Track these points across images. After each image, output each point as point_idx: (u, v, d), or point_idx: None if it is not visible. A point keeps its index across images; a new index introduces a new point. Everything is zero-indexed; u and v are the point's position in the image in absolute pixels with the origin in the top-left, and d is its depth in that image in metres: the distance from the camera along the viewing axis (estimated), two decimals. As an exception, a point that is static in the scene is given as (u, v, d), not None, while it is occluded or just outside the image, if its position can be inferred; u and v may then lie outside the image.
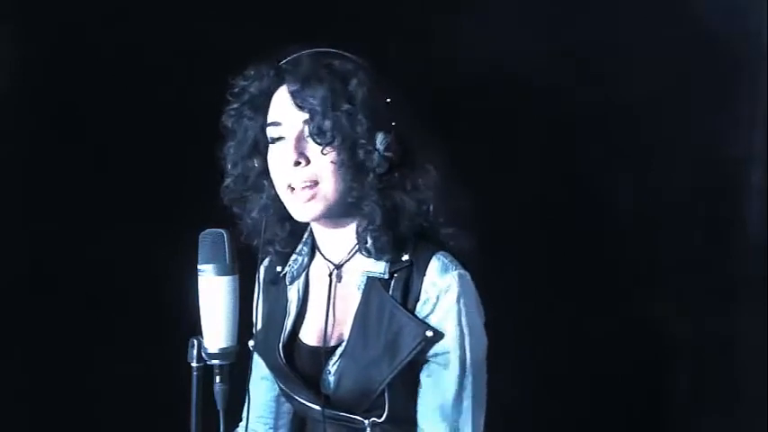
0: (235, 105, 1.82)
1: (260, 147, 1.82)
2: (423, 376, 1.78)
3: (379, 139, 1.74)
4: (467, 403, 1.78)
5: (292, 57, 1.78)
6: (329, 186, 1.75)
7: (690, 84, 2.53)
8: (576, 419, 2.58)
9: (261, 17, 2.48)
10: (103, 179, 2.49)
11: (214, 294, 1.63)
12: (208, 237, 1.64)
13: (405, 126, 1.78)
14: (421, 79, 2.43)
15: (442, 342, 1.76)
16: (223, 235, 1.64)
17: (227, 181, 1.85)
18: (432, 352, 1.76)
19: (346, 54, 1.79)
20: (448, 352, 1.76)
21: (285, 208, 1.80)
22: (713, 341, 2.56)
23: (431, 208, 1.78)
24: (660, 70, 2.54)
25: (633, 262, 2.61)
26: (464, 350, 1.77)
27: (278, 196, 1.80)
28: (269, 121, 1.79)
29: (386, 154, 1.75)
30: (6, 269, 2.44)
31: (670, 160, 2.56)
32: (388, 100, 1.77)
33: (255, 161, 1.83)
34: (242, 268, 1.66)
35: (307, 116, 1.74)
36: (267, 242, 1.90)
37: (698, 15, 2.50)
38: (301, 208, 1.77)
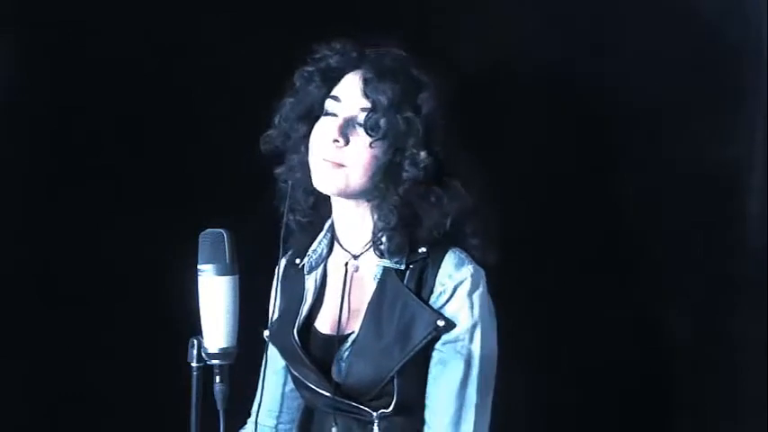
0: (309, 68, 1.87)
1: (312, 114, 1.85)
2: (433, 364, 1.81)
3: (424, 154, 1.78)
4: (471, 392, 1.81)
5: (378, 49, 1.84)
6: (357, 173, 1.79)
7: (690, 83, 2.52)
8: (575, 419, 2.58)
9: (262, 17, 2.48)
10: (104, 179, 2.49)
11: (214, 294, 1.64)
12: (208, 237, 1.65)
13: (448, 146, 1.83)
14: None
15: (453, 331, 1.79)
16: (223, 235, 1.65)
17: (271, 131, 1.89)
18: (443, 340, 1.79)
19: (427, 70, 1.84)
20: (458, 341, 1.79)
21: (311, 179, 1.83)
22: (713, 341, 2.56)
23: (448, 222, 1.81)
24: (659, 70, 2.53)
25: (632, 262, 2.61)
26: (474, 341, 1.80)
27: (308, 164, 1.84)
28: (332, 94, 1.83)
29: (425, 168, 1.79)
30: (6, 269, 2.44)
31: (670, 160, 2.56)
32: (444, 122, 1.81)
33: (303, 125, 1.86)
34: (242, 268, 1.66)
35: (368, 105, 1.78)
36: (290, 210, 1.92)
37: (698, 15, 2.50)
38: (324, 177, 1.81)
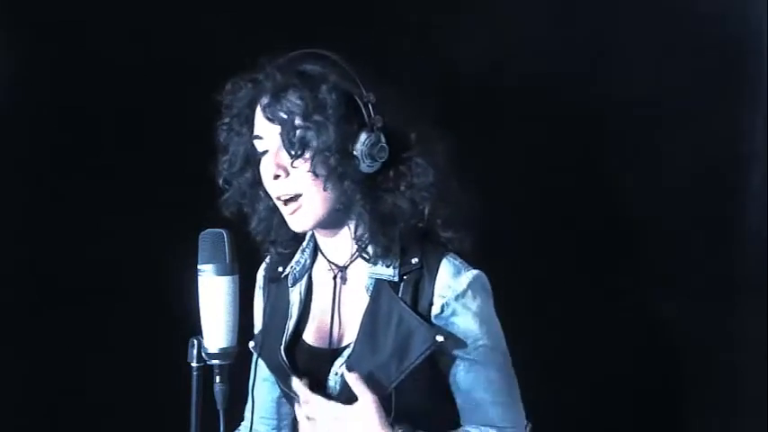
0: (225, 120, 1.82)
1: (251, 159, 1.81)
2: (463, 373, 1.77)
3: (362, 139, 1.73)
4: (511, 382, 1.81)
5: (268, 66, 1.77)
6: (311, 197, 1.75)
7: (690, 83, 2.53)
8: (575, 418, 2.58)
9: (263, 17, 2.48)
10: (104, 179, 2.49)
11: (214, 294, 1.63)
12: (208, 237, 1.65)
13: (397, 121, 1.76)
14: (421, 77, 2.44)
15: (473, 341, 1.76)
16: (223, 235, 1.64)
17: (225, 195, 1.85)
18: (464, 350, 1.76)
19: (323, 53, 1.76)
20: (481, 348, 1.77)
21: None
22: (713, 341, 2.56)
23: (426, 208, 1.78)
24: (660, 70, 2.54)
25: (633, 262, 2.61)
26: (497, 341, 1.79)
27: (275, 207, 1.81)
28: (254, 134, 1.79)
29: (372, 154, 1.73)
30: (6, 269, 2.44)
31: (670, 160, 2.56)
32: (371, 98, 1.74)
33: (248, 174, 1.83)
34: (242, 268, 1.66)
35: (279, 128, 1.73)
36: (272, 243, 1.90)
37: (698, 15, 2.50)
38: (291, 219, 1.78)
